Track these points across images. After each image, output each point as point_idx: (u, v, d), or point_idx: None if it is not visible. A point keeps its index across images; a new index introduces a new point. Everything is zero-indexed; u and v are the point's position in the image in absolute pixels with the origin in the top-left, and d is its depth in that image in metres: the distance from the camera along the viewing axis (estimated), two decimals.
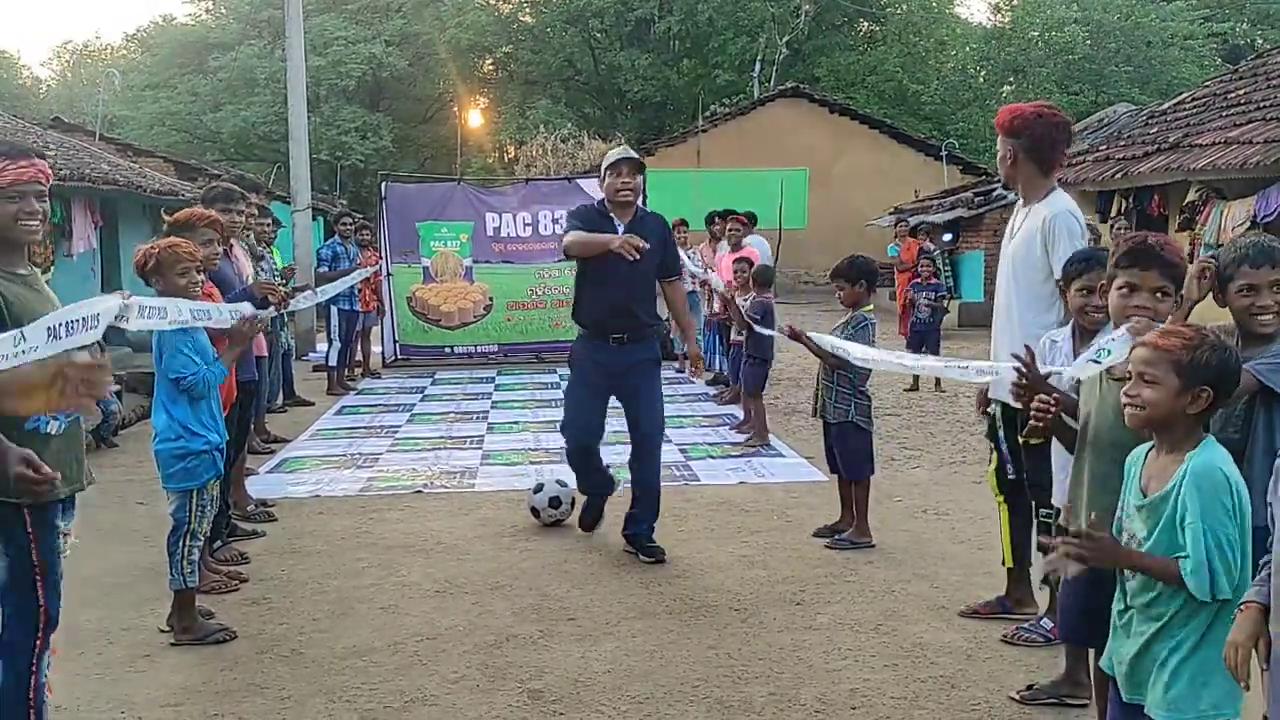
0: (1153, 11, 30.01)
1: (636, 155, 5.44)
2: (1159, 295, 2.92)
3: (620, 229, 5.27)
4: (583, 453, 5.57)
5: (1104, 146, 13.55)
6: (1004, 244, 4.34)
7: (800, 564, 5.16)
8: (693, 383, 11.29)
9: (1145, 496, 2.44)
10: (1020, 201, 4.26)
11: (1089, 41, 29.62)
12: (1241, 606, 2.28)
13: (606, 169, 5.37)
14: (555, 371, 12.23)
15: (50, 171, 3.08)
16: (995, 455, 4.24)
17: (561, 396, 10.40)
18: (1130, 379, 2.46)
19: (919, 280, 11.08)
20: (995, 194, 16.47)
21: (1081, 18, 29.77)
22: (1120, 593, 2.54)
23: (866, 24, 34.56)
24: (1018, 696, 3.62)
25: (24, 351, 2.65)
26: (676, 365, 12.23)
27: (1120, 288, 2.95)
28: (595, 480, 5.70)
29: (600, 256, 5.16)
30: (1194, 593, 2.32)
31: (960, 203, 18.51)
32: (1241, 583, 2.32)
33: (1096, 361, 2.97)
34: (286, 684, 3.85)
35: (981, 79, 32.00)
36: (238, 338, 4.35)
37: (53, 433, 2.93)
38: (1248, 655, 2.23)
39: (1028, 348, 3.29)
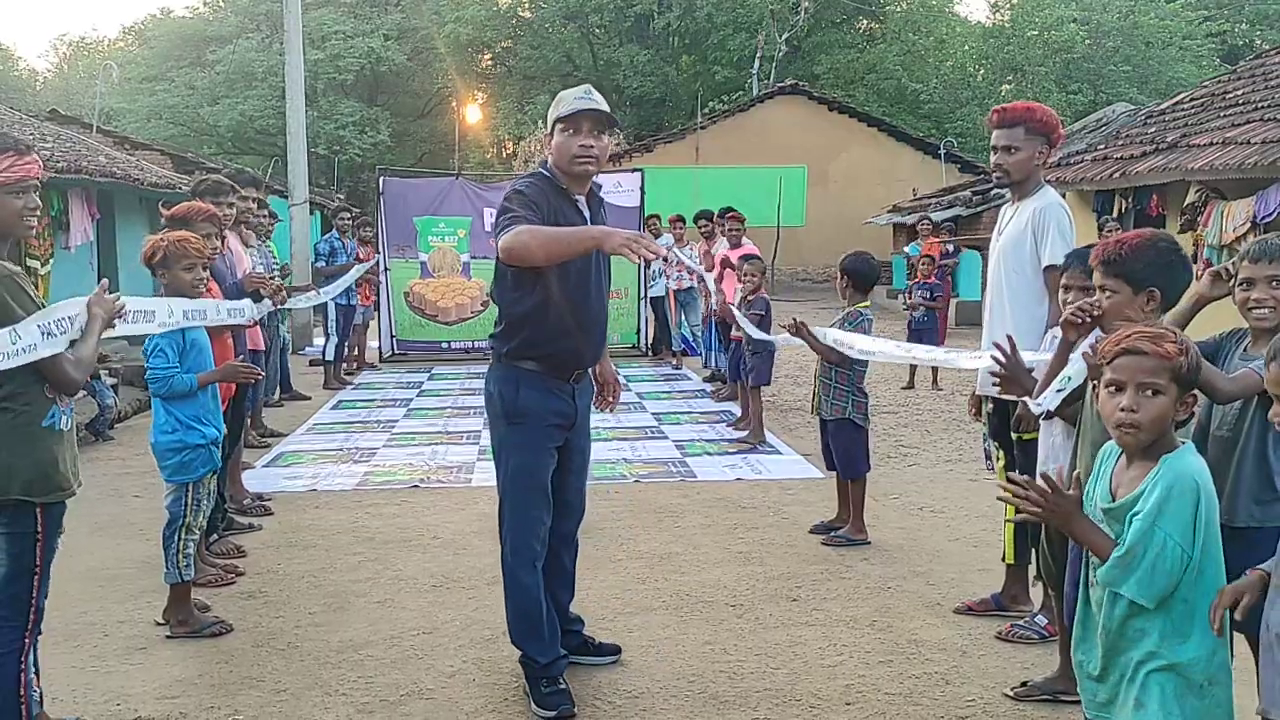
0: (1151, 11, 30.06)
1: (604, 105, 3.57)
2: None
3: (586, 211, 3.65)
4: (537, 575, 3.68)
5: (1102, 146, 13.56)
6: (993, 241, 4.37)
7: (796, 560, 5.16)
8: (688, 379, 11.31)
9: (1114, 501, 2.34)
10: (1010, 199, 4.30)
11: (1087, 41, 29.65)
12: (1250, 571, 2.21)
13: (560, 121, 3.53)
14: None
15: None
16: (1003, 453, 4.26)
17: None
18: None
19: (917, 279, 11.09)
20: (993, 193, 16.49)
21: (1080, 17, 29.81)
22: (1084, 591, 2.45)
23: (866, 22, 34.57)
24: (1012, 693, 3.63)
25: (23, 350, 2.67)
26: (674, 363, 12.25)
27: (1064, 286, 3.03)
28: (555, 634, 3.71)
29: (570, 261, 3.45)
30: (1098, 577, 2.25)
31: (958, 201, 18.55)
32: (1189, 594, 2.20)
33: (1060, 390, 3.01)
34: (282, 677, 3.85)
35: (980, 77, 32.02)
36: (228, 372, 4.48)
37: (65, 429, 2.95)
38: (1231, 606, 2.17)
39: (1009, 337, 3.34)
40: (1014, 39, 30.95)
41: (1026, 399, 3.27)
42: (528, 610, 3.66)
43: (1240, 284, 2.91)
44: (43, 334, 2.76)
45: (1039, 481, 2.36)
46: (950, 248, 13.97)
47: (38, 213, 2.98)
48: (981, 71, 32.21)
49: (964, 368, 4.28)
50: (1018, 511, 2.41)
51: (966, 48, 32.52)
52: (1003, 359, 3.30)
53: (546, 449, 3.66)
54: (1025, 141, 4.11)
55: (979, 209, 17.50)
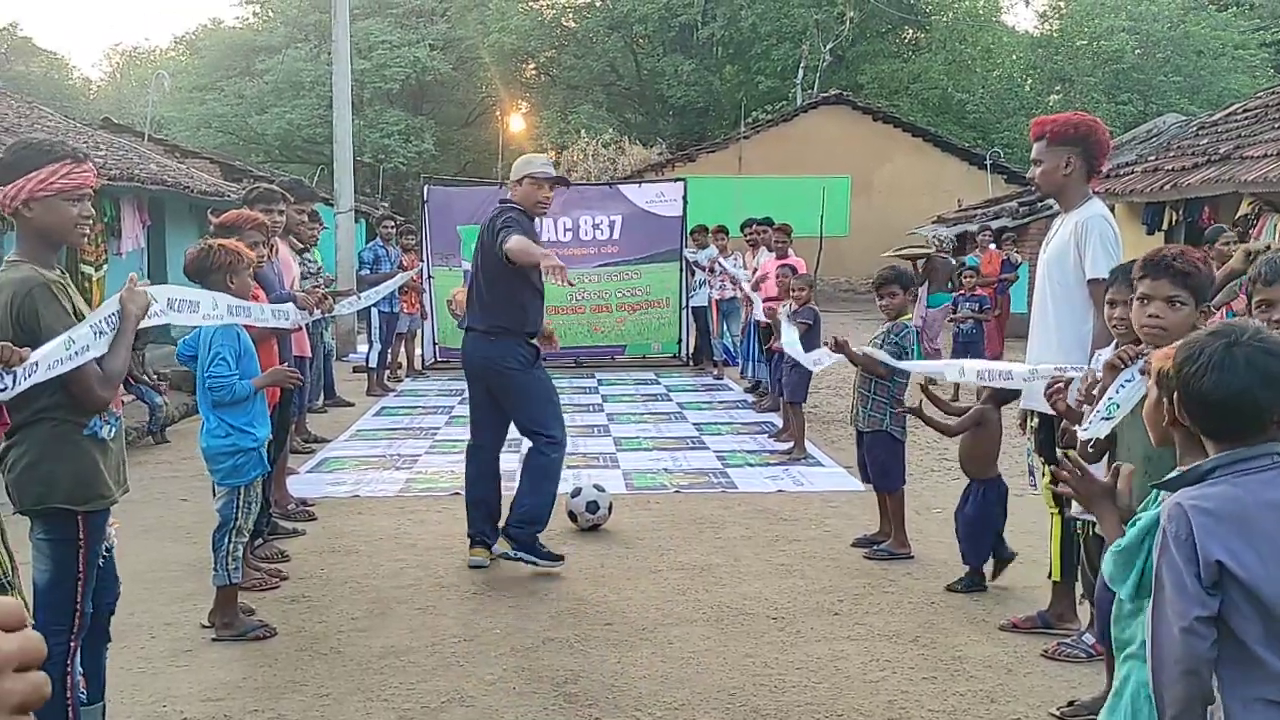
0: (1203, 21, 29.60)
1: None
2: (1174, 305, 2.94)
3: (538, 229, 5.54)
4: None
5: (1153, 157, 13.36)
6: (1041, 253, 4.33)
7: (838, 574, 5.12)
8: (729, 389, 11.28)
9: None
10: (1061, 210, 4.26)
11: (1138, 50, 29.26)
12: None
13: (531, 178, 5.21)
14: (594, 376, 12.25)
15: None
16: (1048, 468, 4.20)
17: (599, 402, 10.53)
18: None
19: (963, 292, 10.98)
20: (1040, 204, 16.29)
21: (1130, 27, 29.40)
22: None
23: (911, 31, 34.36)
24: (1059, 713, 3.58)
25: (78, 353, 2.72)
26: (714, 373, 12.22)
27: (1139, 298, 3.00)
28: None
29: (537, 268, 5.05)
30: (1102, 567, 2.21)
31: (1004, 212, 18.35)
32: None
33: (1109, 419, 2.97)
34: (325, 682, 3.88)
35: (1028, 87, 31.70)
36: (277, 377, 4.52)
37: (108, 438, 2.98)
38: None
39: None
40: (1062, 49, 30.62)
41: (1075, 428, 3.22)
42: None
43: (1258, 305, 2.94)
44: (95, 333, 2.80)
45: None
46: (1017, 256, 13.52)
47: (91, 220, 2.99)
48: (1029, 81, 31.89)
49: (1015, 387, 4.24)
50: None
51: (1014, 57, 32.20)
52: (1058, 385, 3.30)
53: None
54: (1048, 154, 4.07)
55: (1025, 220, 17.29)
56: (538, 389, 5.25)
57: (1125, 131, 21.48)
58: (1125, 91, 29.40)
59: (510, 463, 5.63)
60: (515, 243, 4.91)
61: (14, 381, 2.52)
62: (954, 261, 13.40)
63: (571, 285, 5.08)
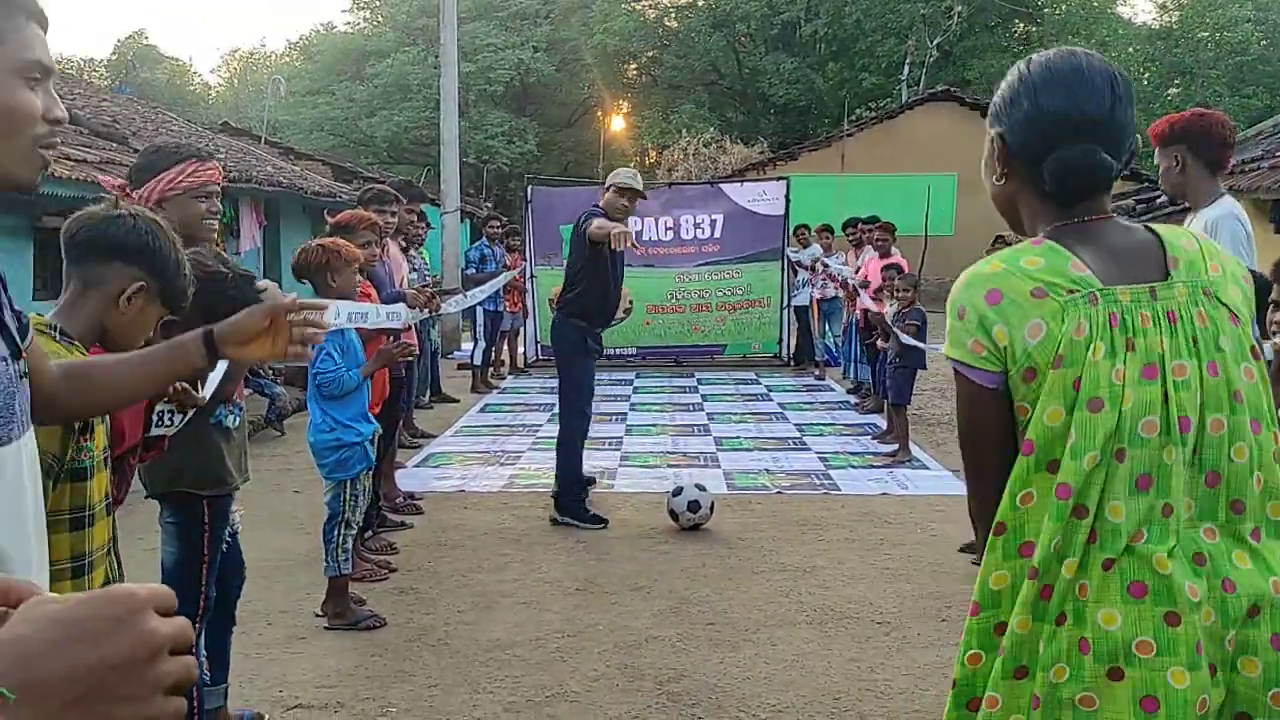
0: None
1: (641, 186, 6.22)
2: None
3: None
4: None
5: None
6: None
7: (945, 579, 5.02)
8: (831, 390, 11.15)
9: None
10: (1191, 210, 4.10)
11: (1264, 41, 28.06)
12: None
13: (615, 188, 6.06)
14: (693, 375, 12.25)
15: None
16: None
17: (699, 401, 10.52)
18: None
19: None
20: (1158, 200, 15.73)
21: (1256, 17, 28.21)
22: None
23: (1022, 25, 33.50)
24: None
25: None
26: (816, 373, 12.10)
27: (1272, 304, 2.97)
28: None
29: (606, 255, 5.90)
30: None
31: (1120, 210, 17.77)
32: None
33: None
34: (433, 672, 3.95)
35: (1145, 81, 30.63)
36: (384, 358, 4.60)
37: (232, 426, 3.10)
38: None
39: None
40: (1183, 41, 29.53)
41: None
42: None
43: None
44: None
45: None
46: None
47: (217, 217, 3.11)
48: (1146, 75, 30.81)
49: None
50: None
51: (1130, 50, 31.14)
52: None
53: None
54: (1160, 156, 3.94)
55: (1143, 217, 16.73)
56: (575, 371, 6.17)
57: (1250, 126, 20.58)
58: (1250, 85, 28.21)
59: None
60: (594, 225, 5.81)
61: (184, 418, 2.62)
62: None
63: (636, 247, 6.01)
